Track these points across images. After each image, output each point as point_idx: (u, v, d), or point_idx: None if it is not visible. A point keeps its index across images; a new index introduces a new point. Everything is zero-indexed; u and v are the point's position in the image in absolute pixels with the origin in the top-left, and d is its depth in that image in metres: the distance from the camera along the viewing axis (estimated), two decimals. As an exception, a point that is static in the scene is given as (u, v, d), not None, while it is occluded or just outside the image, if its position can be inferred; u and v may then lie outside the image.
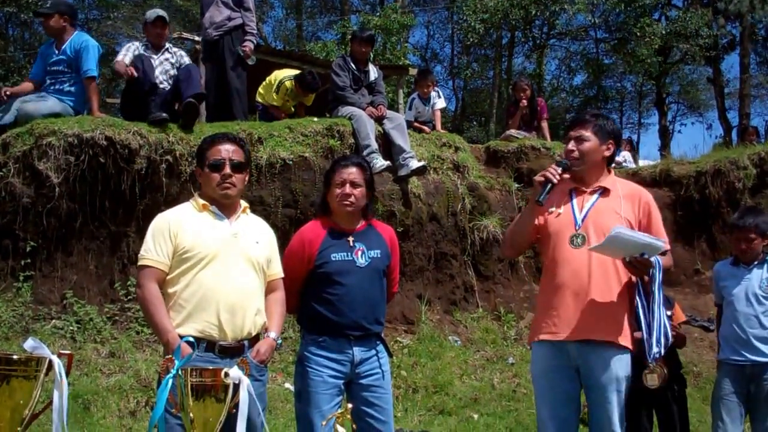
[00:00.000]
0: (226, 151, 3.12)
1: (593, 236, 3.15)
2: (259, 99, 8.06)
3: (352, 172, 3.37)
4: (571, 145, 3.32)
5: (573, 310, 3.16)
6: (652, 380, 3.24)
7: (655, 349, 3.10)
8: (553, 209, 3.31)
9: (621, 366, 3.14)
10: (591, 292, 3.15)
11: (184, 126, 6.63)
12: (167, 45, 6.98)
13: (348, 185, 3.34)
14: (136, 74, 6.54)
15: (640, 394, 4.08)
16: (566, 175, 3.27)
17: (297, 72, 8.17)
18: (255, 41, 7.75)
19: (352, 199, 3.35)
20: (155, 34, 6.89)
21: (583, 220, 3.23)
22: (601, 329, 3.13)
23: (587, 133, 3.29)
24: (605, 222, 3.17)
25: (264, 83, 8.07)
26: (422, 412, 6.04)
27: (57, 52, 6.47)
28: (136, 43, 7.01)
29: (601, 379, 3.13)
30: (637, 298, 3.15)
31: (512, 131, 9.13)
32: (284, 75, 8.01)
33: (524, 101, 9.23)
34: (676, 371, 4.47)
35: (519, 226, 3.44)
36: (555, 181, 3.20)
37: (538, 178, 3.26)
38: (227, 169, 3.09)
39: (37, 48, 20.24)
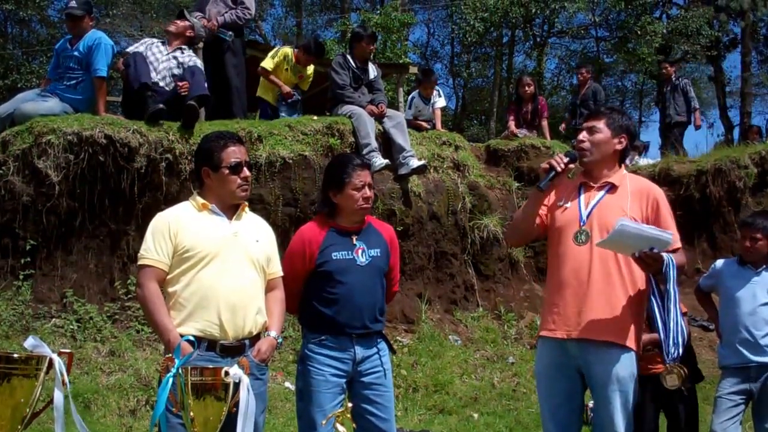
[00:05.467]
0: (240, 152, 3.13)
1: (597, 233, 3.13)
2: (259, 92, 7.99)
3: (368, 174, 3.40)
4: (582, 136, 3.30)
5: (573, 309, 3.14)
6: (671, 381, 3.18)
7: (672, 350, 3.04)
8: (561, 203, 3.29)
9: (622, 366, 3.09)
10: (591, 290, 3.12)
11: (184, 127, 6.61)
12: (184, 47, 6.88)
13: (367, 188, 3.36)
14: (122, 67, 6.61)
15: (647, 393, 4.07)
16: (572, 165, 3.27)
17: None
18: (236, 17, 7.45)
19: (371, 201, 3.41)
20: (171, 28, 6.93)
21: (588, 216, 3.20)
22: (600, 329, 3.09)
23: (599, 125, 3.27)
24: (610, 219, 3.12)
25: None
26: (422, 412, 6.04)
27: (71, 47, 6.48)
28: (156, 41, 6.98)
29: (602, 379, 3.10)
30: (652, 297, 3.10)
31: (513, 128, 9.13)
32: (284, 46, 8.03)
33: (528, 105, 9.23)
34: (691, 371, 4.46)
35: (522, 214, 3.44)
36: (559, 169, 3.20)
37: (544, 165, 3.28)
38: (246, 171, 3.12)
39: (36, 46, 20.30)
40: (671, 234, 3.06)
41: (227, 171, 3.08)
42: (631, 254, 3.04)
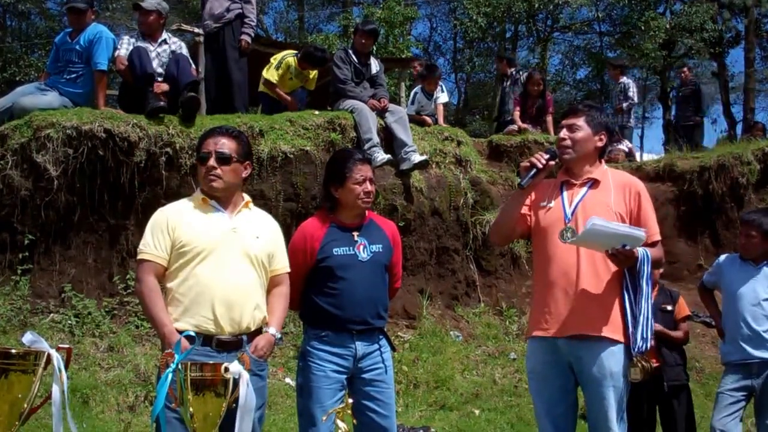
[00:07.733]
0: (214, 143, 3.09)
1: (582, 230, 3.11)
2: (262, 87, 7.94)
3: (369, 169, 3.39)
4: (563, 134, 3.31)
5: (563, 306, 3.15)
6: (634, 374, 3.21)
7: (639, 343, 3.06)
8: (545, 203, 3.30)
9: (614, 360, 3.09)
10: (580, 286, 3.13)
11: (184, 118, 6.58)
12: (165, 36, 6.84)
13: (368, 182, 3.35)
14: (124, 66, 6.54)
15: (641, 388, 4.06)
16: (552, 162, 3.27)
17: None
18: (253, 34, 7.66)
19: (372, 196, 3.39)
20: (139, 22, 6.89)
21: (572, 214, 3.20)
22: (590, 324, 3.10)
23: (579, 123, 3.28)
24: (594, 214, 3.10)
25: (267, 66, 7.93)
26: (423, 408, 6.02)
27: (71, 41, 6.44)
28: (126, 36, 6.96)
29: (595, 374, 3.09)
30: (624, 291, 3.12)
31: (518, 122, 9.11)
32: (287, 52, 7.93)
33: (535, 101, 9.20)
34: (682, 369, 4.46)
35: (505, 212, 3.46)
36: (539, 166, 3.21)
37: (524, 163, 3.30)
38: (211, 162, 3.05)
39: (35, 39, 20.29)
40: (644, 231, 3.08)
41: (198, 162, 3.13)
42: (605, 251, 3.07)
